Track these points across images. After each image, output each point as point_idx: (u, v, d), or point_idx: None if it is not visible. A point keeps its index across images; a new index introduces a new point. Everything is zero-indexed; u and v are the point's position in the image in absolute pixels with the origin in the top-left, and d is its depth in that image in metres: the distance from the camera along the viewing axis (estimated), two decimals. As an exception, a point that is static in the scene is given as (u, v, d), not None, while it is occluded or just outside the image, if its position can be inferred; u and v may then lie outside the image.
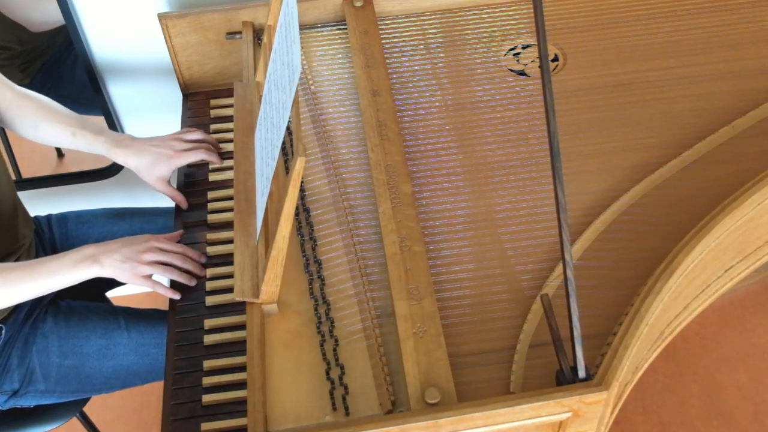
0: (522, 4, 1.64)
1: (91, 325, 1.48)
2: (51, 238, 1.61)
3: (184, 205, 1.49)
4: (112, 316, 1.51)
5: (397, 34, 1.60)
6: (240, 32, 1.59)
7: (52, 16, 1.73)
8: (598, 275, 1.21)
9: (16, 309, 1.45)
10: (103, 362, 1.47)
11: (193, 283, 1.37)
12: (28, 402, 1.50)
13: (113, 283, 1.76)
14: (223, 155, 1.55)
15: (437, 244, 1.26)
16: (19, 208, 1.49)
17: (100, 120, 1.88)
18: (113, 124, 1.88)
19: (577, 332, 1.02)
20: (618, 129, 1.42)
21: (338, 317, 1.19)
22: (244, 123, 1.44)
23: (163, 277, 1.35)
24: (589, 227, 1.27)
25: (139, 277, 1.32)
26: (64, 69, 1.86)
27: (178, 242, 1.41)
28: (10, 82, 1.50)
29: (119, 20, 1.71)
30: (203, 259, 1.40)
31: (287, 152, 1.42)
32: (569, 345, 1.03)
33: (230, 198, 1.46)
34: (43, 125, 1.49)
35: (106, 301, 1.74)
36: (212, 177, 1.53)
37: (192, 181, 1.53)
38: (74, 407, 1.60)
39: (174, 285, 1.37)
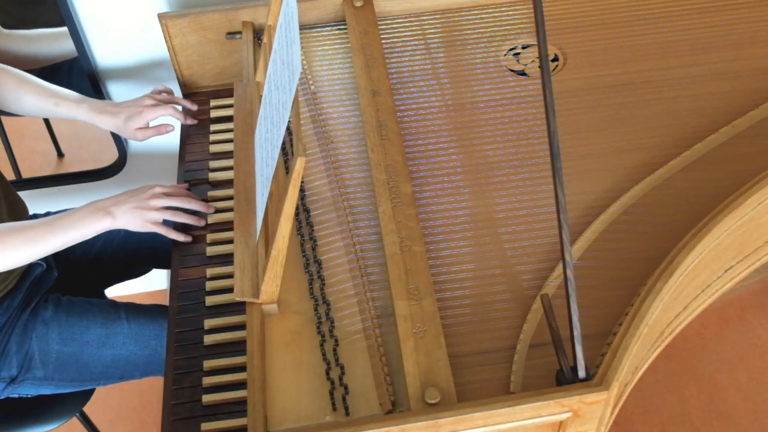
0: (522, 4, 1.64)
1: (91, 315, 1.49)
2: None
3: (170, 128, 1.58)
4: (113, 308, 1.52)
5: (397, 34, 1.60)
6: (240, 32, 1.59)
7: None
8: (598, 275, 1.21)
9: (10, 294, 1.45)
10: (102, 351, 1.48)
11: (201, 223, 1.43)
12: (26, 390, 1.50)
13: (112, 281, 1.77)
14: (223, 155, 1.56)
15: (437, 244, 1.26)
16: (4, 199, 1.49)
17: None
18: (113, 124, 1.88)
19: (577, 332, 1.02)
20: (618, 129, 1.42)
21: (338, 317, 1.19)
22: (244, 123, 1.44)
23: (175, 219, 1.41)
24: (589, 227, 1.27)
25: (149, 223, 1.36)
26: (62, 72, 1.87)
27: None
28: None
29: (119, 21, 1.71)
30: (210, 209, 1.45)
31: (287, 152, 1.42)
32: (569, 345, 1.03)
33: (230, 198, 1.46)
34: (26, 97, 1.52)
35: (104, 297, 1.74)
36: (212, 177, 1.53)
37: (192, 181, 1.53)
38: (74, 407, 1.60)
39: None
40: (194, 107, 1.62)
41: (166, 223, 1.39)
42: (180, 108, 1.60)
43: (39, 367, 1.47)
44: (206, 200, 1.49)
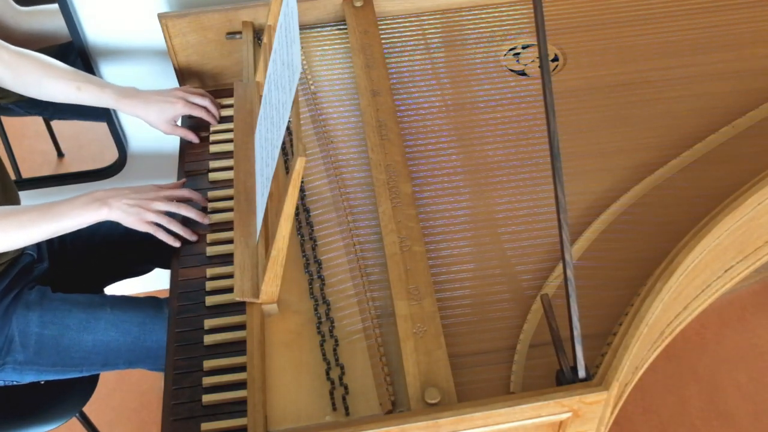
0: (522, 4, 1.64)
1: (74, 301, 1.49)
2: None
3: (196, 139, 1.58)
4: (98, 297, 1.52)
5: (397, 34, 1.60)
6: (240, 32, 1.59)
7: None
8: (598, 275, 1.21)
9: None
10: (82, 335, 1.47)
11: (194, 238, 1.42)
12: (9, 376, 1.49)
13: (113, 278, 1.76)
14: (223, 155, 1.56)
15: (437, 244, 1.26)
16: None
17: (101, 123, 1.88)
18: (113, 124, 1.88)
19: (577, 332, 1.02)
20: (618, 129, 1.42)
21: (338, 317, 1.19)
22: (244, 123, 1.44)
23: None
24: (589, 227, 1.27)
25: (143, 222, 1.35)
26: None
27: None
28: (4, 42, 1.51)
29: (119, 21, 1.71)
30: (206, 220, 1.43)
31: (287, 152, 1.42)
32: (569, 345, 1.03)
33: (230, 198, 1.46)
34: (47, 81, 1.52)
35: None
36: (212, 177, 1.53)
37: (192, 181, 1.53)
38: (74, 407, 1.60)
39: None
40: (216, 123, 1.61)
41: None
42: (212, 111, 1.60)
43: (19, 350, 1.46)
44: (205, 210, 1.48)
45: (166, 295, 1.42)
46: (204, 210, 1.46)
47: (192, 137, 1.59)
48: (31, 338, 1.46)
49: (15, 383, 1.52)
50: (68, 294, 1.52)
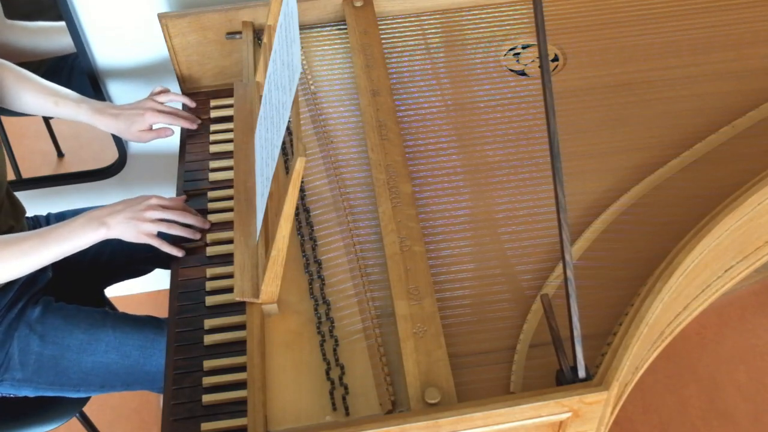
0: (522, 4, 1.64)
1: (76, 321, 1.49)
2: None
3: (171, 133, 1.60)
4: (100, 316, 1.51)
5: (397, 34, 1.60)
6: (240, 32, 1.59)
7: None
8: (598, 275, 1.21)
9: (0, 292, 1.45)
10: (82, 356, 1.47)
11: (197, 236, 1.42)
12: (6, 390, 1.50)
13: (113, 280, 1.76)
14: (223, 155, 1.56)
15: (437, 244, 1.26)
16: (4, 198, 1.49)
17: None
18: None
19: (577, 332, 1.02)
20: (618, 129, 1.42)
21: (338, 317, 1.19)
22: (244, 123, 1.44)
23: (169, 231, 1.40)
24: (589, 227, 1.27)
25: (143, 234, 1.35)
26: (64, 71, 1.87)
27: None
28: None
29: (119, 20, 1.71)
30: (206, 225, 1.44)
31: (287, 152, 1.42)
32: (569, 345, 1.03)
33: (230, 198, 1.46)
34: (26, 95, 1.53)
35: (104, 297, 1.74)
36: (212, 177, 1.53)
37: (192, 181, 1.53)
38: (74, 407, 1.60)
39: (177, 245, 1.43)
40: (194, 125, 1.61)
41: (161, 235, 1.38)
42: (182, 113, 1.60)
43: (18, 368, 1.46)
44: (205, 210, 1.48)
45: (167, 294, 1.42)
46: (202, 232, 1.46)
47: (165, 133, 1.59)
48: (31, 357, 1.46)
49: (11, 396, 1.53)
50: (70, 307, 1.51)
